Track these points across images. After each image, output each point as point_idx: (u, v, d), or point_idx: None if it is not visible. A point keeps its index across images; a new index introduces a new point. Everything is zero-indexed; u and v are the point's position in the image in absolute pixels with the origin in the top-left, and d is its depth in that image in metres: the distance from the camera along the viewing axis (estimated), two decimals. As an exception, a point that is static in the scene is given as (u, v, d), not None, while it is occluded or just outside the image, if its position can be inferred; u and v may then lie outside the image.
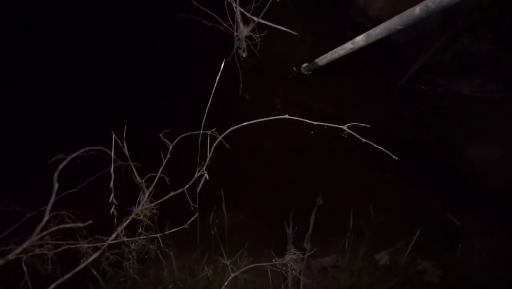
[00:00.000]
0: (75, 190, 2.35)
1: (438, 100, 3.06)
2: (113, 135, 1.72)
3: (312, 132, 2.63)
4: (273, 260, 1.93)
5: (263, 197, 2.48)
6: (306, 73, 2.96)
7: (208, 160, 1.77)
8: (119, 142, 1.77)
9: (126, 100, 2.92)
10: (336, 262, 2.43)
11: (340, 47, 2.39)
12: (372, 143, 1.57)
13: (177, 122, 2.35)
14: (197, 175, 1.79)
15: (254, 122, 1.71)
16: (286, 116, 1.66)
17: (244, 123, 1.70)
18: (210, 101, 1.70)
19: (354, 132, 1.60)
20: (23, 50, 3.02)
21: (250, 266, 1.83)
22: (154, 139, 2.13)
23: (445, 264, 2.25)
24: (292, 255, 1.85)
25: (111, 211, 1.75)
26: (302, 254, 1.99)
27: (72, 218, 2.13)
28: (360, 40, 2.17)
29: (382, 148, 1.55)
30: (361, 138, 1.59)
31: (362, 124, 1.58)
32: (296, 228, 2.36)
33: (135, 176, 1.92)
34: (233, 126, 1.84)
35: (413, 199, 2.52)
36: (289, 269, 1.90)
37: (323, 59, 2.62)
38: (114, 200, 1.72)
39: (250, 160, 2.55)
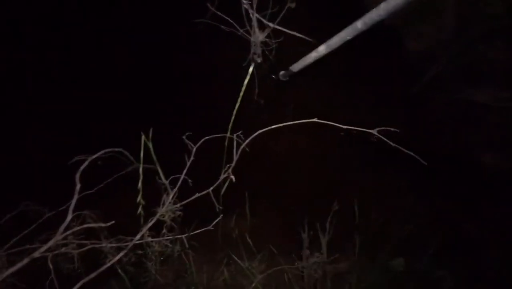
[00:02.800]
0: (92, 191, 2.37)
1: (451, 108, 3.07)
2: (142, 136, 1.74)
3: (331, 137, 2.64)
4: (296, 264, 1.94)
5: (278, 201, 2.49)
6: (283, 79, 3.13)
7: (234, 162, 1.79)
8: (148, 143, 1.77)
9: (139, 102, 2.96)
10: (351, 268, 2.43)
11: (307, 56, 2.73)
12: (402, 148, 1.58)
13: (194, 125, 2.39)
14: (222, 176, 1.81)
15: (282, 126, 1.73)
16: (315, 120, 1.68)
17: (273, 126, 1.72)
18: (237, 104, 1.72)
19: (383, 137, 1.61)
20: (44, 48, 3.06)
21: (276, 268, 1.84)
22: (172, 142, 2.17)
23: (463, 272, 2.25)
24: (316, 258, 1.86)
25: (138, 211, 1.77)
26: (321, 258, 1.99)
27: (93, 218, 2.15)
28: (322, 49, 2.57)
29: (411, 153, 1.57)
30: (390, 143, 1.61)
31: (392, 129, 1.59)
32: (311, 232, 2.37)
33: (159, 177, 1.94)
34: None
35: (431, 206, 2.53)
36: (312, 273, 1.90)
37: (296, 67, 2.90)
38: (141, 200, 1.73)
39: (267, 163, 2.56)
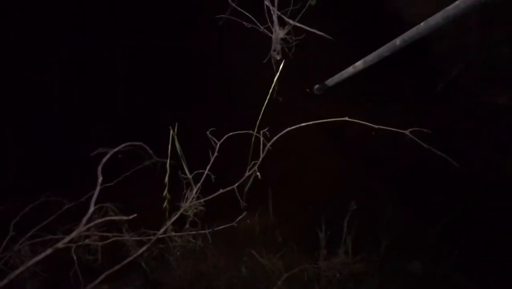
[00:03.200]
0: (111, 184, 2.38)
1: (473, 110, 3.03)
2: (171, 131, 1.74)
3: (356, 137, 2.62)
4: (318, 263, 1.93)
5: (300, 199, 2.48)
6: (317, 93, 3.09)
7: (260, 159, 1.78)
8: (175, 138, 1.77)
9: (160, 98, 2.96)
10: (368, 269, 2.41)
11: (344, 71, 2.71)
12: (434, 150, 1.57)
13: (216, 121, 2.39)
14: (248, 173, 1.80)
15: (311, 124, 1.71)
16: (346, 118, 1.67)
17: (302, 124, 1.71)
18: (266, 101, 1.71)
19: (416, 137, 1.60)
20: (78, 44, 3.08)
21: (301, 267, 1.83)
22: (194, 137, 2.17)
23: (486, 280, 2.23)
24: (340, 258, 1.85)
25: (164, 205, 1.77)
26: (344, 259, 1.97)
27: (115, 211, 2.16)
28: (359, 64, 2.54)
29: (444, 155, 1.55)
30: (423, 144, 1.59)
31: (424, 130, 1.58)
32: (328, 232, 2.35)
33: (182, 172, 1.94)
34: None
35: (455, 210, 2.49)
36: (333, 273, 1.89)
37: (331, 81, 2.87)
38: (167, 194, 1.73)
39: (287, 161, 2.55)
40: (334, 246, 2.15)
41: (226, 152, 2.06)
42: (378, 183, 2.62)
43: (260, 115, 1.86)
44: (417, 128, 1.62)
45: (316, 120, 1.75)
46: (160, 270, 1.99)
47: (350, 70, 2.64)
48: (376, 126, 1.69)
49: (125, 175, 2.53)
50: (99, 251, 1.86)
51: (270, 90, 1.82)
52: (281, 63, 1.93)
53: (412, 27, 2.42)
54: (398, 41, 2.24)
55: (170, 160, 2.07)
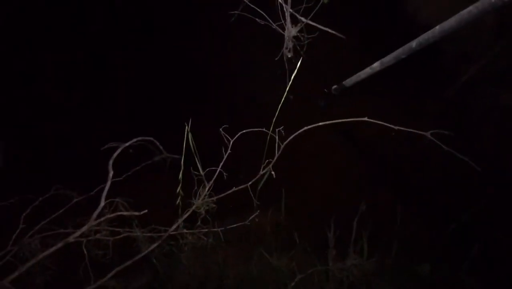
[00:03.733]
0: (120, 178, 2.37)
1: (488, 113, 3.00)
2: (186, 127, 1.72)
3: (371, 138, 2.60)
4: (329, 264, 1.91)
5: (312, 199, 2.46)
6: (335, 93, 3.07)
7: (275, 158, 1.76)
8: (189, 135, 1.75)
9: (172, 95, 2.96)
10: (378, 271, 2.39)
11: (361, 72, 2.70)
12: (456, 153, 1.54)
13: (227, 118, 2.37)
14: (262, 172, 1.78)
15: (331, 123, 1.69)
16: (365, 118, 1.65)
17: (320, 123, 1.69)
18: (283, 99, 1.69)
19: (435, 140, 1.57)
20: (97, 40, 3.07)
21: (317, 268, 1.81)
22: (206, 134, 2.15)
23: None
24: (353, 260, 1.83)
25: (177, 202, 1.75)
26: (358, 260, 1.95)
27: (125, 206, 2.14)
28: (376, 66, 2.53)
29: (466, 159, 1.53)
30: (443, 146, 1.57)
31: (446, 132, 1.55)
32: (338, 232, 2.33)
33: (194, 168, 1.92)
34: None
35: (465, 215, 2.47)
36: (345, 274, 1.88)
37: (349, 82, 2.86)
38: (180, 191, 1.72)
39: (301, 160, 2.53)
40: (344, 247, 2.14)
41: (239, 149, 2.04)
42: (391, 184, 2.59)
43: (276, 114, 1.83)
44: (438, 130, 1.59)
45: (334, 120, 1.72)
46: (170, 267, 1.98)
47: (367, 71, 2.64)
48: (396, 128, 1.67)
49: (135, 169, 2.52)
50: (110, 246, 1.83)
51: (287, 88, 1.79)
52: (298, 62, 1.89)
53: (425, 28, 2.42)
54: (414, 43, 2.25)
55: (182, 156, 2.05)
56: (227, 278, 1.96)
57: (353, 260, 1.86)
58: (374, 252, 2.32)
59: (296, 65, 1.80)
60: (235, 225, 1.89)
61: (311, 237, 2.34)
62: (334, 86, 3.07)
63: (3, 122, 2.78)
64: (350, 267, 1.85)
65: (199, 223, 1.88)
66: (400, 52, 2.35)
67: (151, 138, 2.46)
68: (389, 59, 2.41)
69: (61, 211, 2.23)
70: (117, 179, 2.27)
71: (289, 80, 1.94)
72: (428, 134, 1.60)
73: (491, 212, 2.55)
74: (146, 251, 1.75)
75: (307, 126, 1.74)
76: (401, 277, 2.34)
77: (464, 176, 2.41)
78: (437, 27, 2.08)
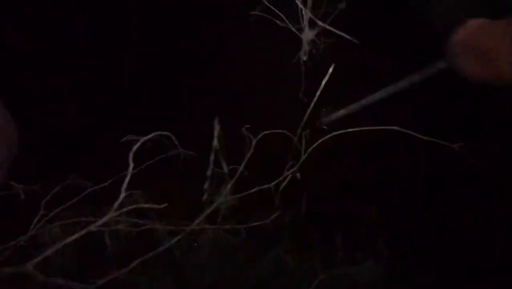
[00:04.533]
0: (135, 171, 2.39)
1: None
2: (216, 123, 1.75)
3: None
4: (344, 267, 1.95)
5: (329, 203, 2.48)
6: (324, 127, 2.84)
7: (301, 161, 1.80)
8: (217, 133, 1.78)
9: (190, 95, 2.99)
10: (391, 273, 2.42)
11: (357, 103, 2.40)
12: (484, 166, 1.58)
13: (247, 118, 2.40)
14: (286, 173, 1.82)
15: (361, 130, 1.73)
16: (396, 128, 1.68)
17: (349, 130, 1.72)
18: (312, 103, 1.72)
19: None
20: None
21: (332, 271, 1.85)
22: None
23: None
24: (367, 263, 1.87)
25: (204, 198, 1.78)
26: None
27: (145, 198, 2.17)
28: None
29: (488, 169, 1.56)
30: (473, 160, 1.60)
31: (473, 146, 1.59)
32: (352, 236, 2.36)
33: (218, 166, 1.96)
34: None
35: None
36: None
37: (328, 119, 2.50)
38: (208, 188, 1.75)
39: (323, 164, 2.55)
40: (361, 251, 2.18)
41: (261, 149, 2.07)
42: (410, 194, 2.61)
43: (305, 118, 1.87)
44: (463, 144, 1.63)
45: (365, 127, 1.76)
46: (189, 261, 2.01)
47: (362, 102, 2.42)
48: (425, 138, 1.70)
49: (149, 163, 2.54)
50: (132, 236, 1.86)
51: (318, 94, 1.83)
52: (330, 68, 1.93)
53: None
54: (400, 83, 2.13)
55: (197, 153, 2.10)
56: (244, 276, 1.99)
57: (368, 264, 1.89)
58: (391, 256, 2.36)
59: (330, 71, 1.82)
60: (256, 224, 1.92)
61: (327, 239, 2.37)
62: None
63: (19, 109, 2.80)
64: (363, 270, 1.88)
65: (219, 219, 1.91)
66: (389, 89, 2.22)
67: (168, 134, 2.48)
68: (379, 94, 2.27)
69: (75, 200, 2.26)
70: (133, 171, 2.30)
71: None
72: (456, 146, 1.64)
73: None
74: (169, 245, 1.78)
75: (335, 132, 1.77)
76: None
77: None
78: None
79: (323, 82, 1.89)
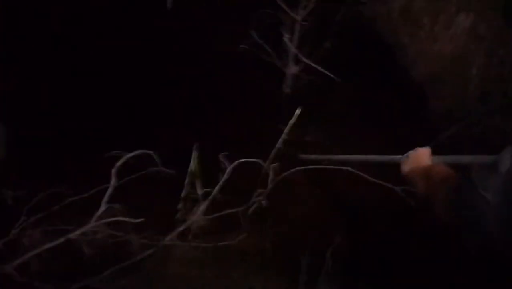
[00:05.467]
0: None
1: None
2: (194, 148, 1.91)
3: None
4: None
5: (292, 228, 2.63)
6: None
7: (268, 189, 1.97)
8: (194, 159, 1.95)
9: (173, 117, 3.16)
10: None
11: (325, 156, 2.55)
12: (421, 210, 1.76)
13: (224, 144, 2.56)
14: (254, 199, 1.99)
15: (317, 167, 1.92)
16: (349, 168, 1.87)
17: (310, 166, 1.91)
18: (282, 138, 1.90)
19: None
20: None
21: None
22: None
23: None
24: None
25: (176, 216, 1.94)
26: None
27: (123, 212, 2.30)
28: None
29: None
30: (411, 202, 1.79)
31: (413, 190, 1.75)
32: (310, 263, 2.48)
33: (192, 188, 2.12)
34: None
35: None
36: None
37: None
38: (182, 207, 1.91)
39: (288, 193, 2.71)
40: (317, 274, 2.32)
41: (234, 174, 2.23)
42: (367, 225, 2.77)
43: (274, 151, 2.05)
44: (406, 187, 1.81)
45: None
46: (158, 274, 2.15)
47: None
48: (371, 180, 1.89)
49: (129, 178, 2.67)
50: (107, 247, 2.00)
51: (286, 131, 2.01)
52: (297, 110, 2.11)
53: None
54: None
55: (178, 173, 2.25)
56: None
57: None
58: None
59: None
60: (223, 243, 2.07)
61: (287, 262, 2.51)
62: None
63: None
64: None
65: (190, 236, 2.07)
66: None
67: (151, 152, 2.63)
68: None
69: (56, 207, 2.37)
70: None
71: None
72: (398, 189, 1.83)
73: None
74: (140, 256, 1.92)
75: (298, 167, 1.96)
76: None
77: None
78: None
79: (291, 122, 2.05)
